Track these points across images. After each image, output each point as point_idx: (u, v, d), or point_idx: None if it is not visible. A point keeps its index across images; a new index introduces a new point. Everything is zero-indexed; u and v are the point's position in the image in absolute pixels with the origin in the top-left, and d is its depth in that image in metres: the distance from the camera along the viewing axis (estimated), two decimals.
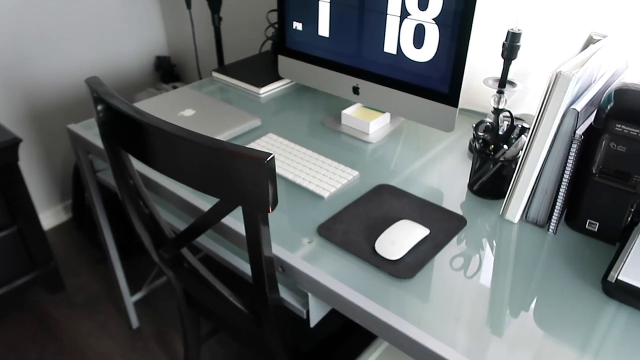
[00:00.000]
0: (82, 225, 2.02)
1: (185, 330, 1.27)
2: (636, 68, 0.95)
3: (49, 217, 2.07)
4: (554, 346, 0.66)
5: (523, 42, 0.96)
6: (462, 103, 1.24)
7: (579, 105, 0.76)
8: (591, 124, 0.78)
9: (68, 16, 1.87)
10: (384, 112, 1.20)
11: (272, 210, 0.68)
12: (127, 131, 0.78)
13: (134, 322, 1.62)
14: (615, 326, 0.69)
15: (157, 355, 1.54)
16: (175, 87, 2.06)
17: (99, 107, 0.83)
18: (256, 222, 0.71)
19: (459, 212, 0.92)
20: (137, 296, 1.68)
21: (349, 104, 1.33)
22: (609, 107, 0.74)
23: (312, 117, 1.27)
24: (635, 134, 0.72)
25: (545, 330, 0.69)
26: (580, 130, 0.76)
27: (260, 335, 0.93)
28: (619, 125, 0.73)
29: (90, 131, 1.20)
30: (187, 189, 1.00)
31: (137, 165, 1.07)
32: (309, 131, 1.20)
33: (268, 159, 0.64)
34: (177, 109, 1.25)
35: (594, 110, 0.81)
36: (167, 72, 2.20)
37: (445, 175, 1.03)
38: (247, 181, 0.66)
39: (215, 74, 1.50)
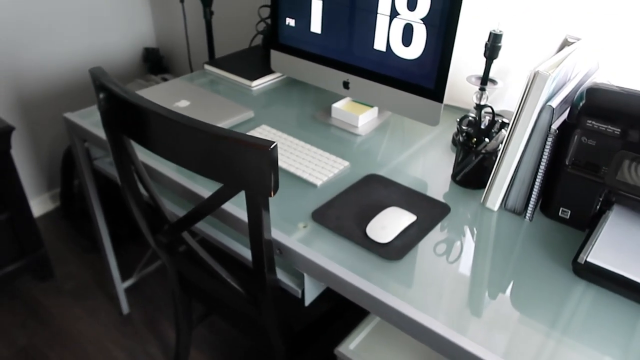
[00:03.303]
0: (70, 214, 2.03)
1: (177, 314, 1.32)
2: (606, 69, 1.02)
3: (36, 206, 2.08)
4: (527, 323, 0.73)
5: (504, 43, 1.03)
6: (446, 99, 1.31)
7: (555, 102, 0.83)
8: (565, 119, 0.85)
9: (56, 6, 1.88)
10: (372, 107, 1.26)
11: (274, 194, 0.74)
12: (133, 119, 0.83)
13: (125, 308, 1.66)
14: (583, 303, 0.77)
15: (148, 340, 1.58)
16: (164, 79, 2.09)
17: (102, 95, 0.87)
18: (258, 207, 0.76)
19: (443, 200, 0.99)
20: (128, 283, 1.71)
21: (337, 97, 1.38)
22: (581, 104, 0.81)
23: (302, 110, 1.32)
24: (604, 129, 0.79)
25: (519, 309, 0.76)
26: (555, 125, 0.84)
27: (256, 316, 0.98)
28: (590, 121, 0.81)
29: (87, 120, 1.23)
30: (186, 177, 1.04)
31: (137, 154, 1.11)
32: (300, 123, 1.26)
33: (271, 147, 0.70)
34: (172, 100, 1.29)
35: (567, 107, 0.89)
36: (155, 63, 2.22)
37: (429, 166, 1.10)
38: (250, 167, 0.72)
39: (207, 67, 1.54)
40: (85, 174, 1.33)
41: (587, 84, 0.84)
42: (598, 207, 0.90)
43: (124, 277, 1.78)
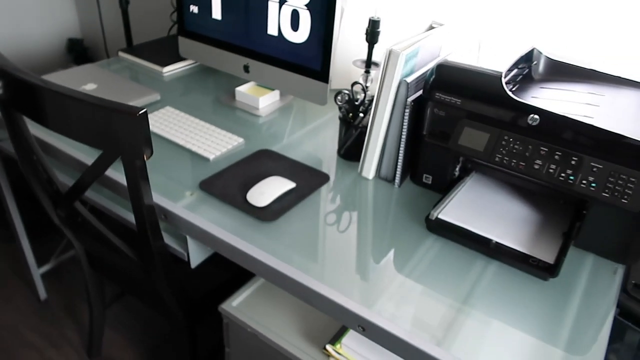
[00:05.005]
0: None
1: (89, 292, 1.35)
2: (463, 48, 1.14)
3: None
4: (380, 272, 0.83)
5: (383, 28, 1.13)
6: (341, 84, 1.40)
7: (410, 78, 0.93)
8: (421, 94, 0.96)
9: None
10: (273, 90, 1.34)
11: (148, 158, 0.80)
12: (23, 95, 0.87)
13: (42, 294, 1.67)
14: (431, 252, 0.87)
15: (66, 324, 1.60)
16: None
17: None
18: (135, 171, 0.82)
19: (328, 172, 1.08)
20: (45, 268, 1.72)
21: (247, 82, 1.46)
22: (431, 79, 0.92)
23: (210, 95, 1.38)
24: (449, 100, 0.90)
25: (378, 261, 0.85)
26: (411, 99, 0.94)
27: (151, 283, 1.04)
28: (438, 94, 0.91)
29: None
30: (80, 151, 1.08)
31: (32, 130, 1.14)
32: (205, 106, 1.32)
33: (140, 113, 0.76)
34: (80, 83, 1.33)
35: None
36: (80, 54, 2.22)
37: (320, 143, 1.19)
38: (123, 133, 0.78)
39: (121, 54, 1.58)
40: None
41: (438, 61, 0.94)
42: (457, 173, 1.01)
43: (44, 264, 1.79)
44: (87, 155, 1.07)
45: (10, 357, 1.49)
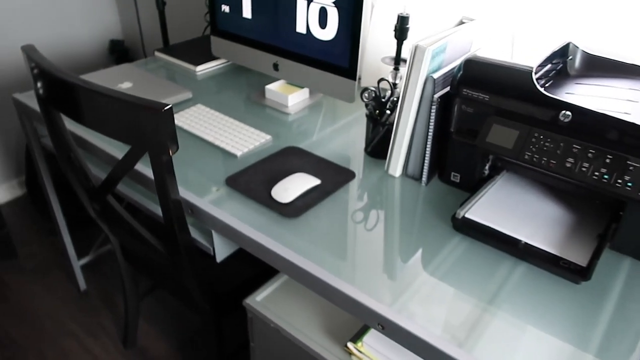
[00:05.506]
0: (37, 199, 2.11)
1: (124, 285, 1.39)
2: (495, 44, 1.11)
3: (3, 192, 2.15)
4: (406, 272, 0.82)
5: (412, 25, 1.11)
6: (372, 82, 1.39)
7: (436, 74, 0.91)
8: (448, 90, 0.93)
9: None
10: (302, 87, 1.34)
11: (173, 153, 0.82)
12: (59, 93, 0.90)
13: (82, 285, 1.73)
14: (456, 252, 0.85)
15: (103, 315, 1.66)
16: None
17: (35, 72, 0.95)
18: (161, 166, 0.84)
19: (354, 169, 1.07)
20: (85, 260, 1.79)
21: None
22: (459, 75, 0.90)
23: (241, 93, 1.40)
24: (477, 96, 0.88)
25: (405, 259, 0.84)
26: (438, 95, 0.92)
27: (179, 276, 1.06)
28: (466, 90, 0.89)
29: (34, 99, 1.31)
30: (113, 145, 1.12)
31: (70, 127, 1.18)
32: (235, 103, 1.34)
33: (165, 109, 0.78)
34: (116, 82, 1.37)
35: None
36: (121, 55, 2.30)
37: (349, 140, 1.18)
38: (150, 129, 0.80)
39: (157, 54, 1.62)
40: (36, 151, 1.41)
41: (467, 56, 0.92)
42: (487, 171, 0.99)
43: (83, 256, 1.86)
44: (120, 151, 1.10)
45: (52, 343, 1.56)
